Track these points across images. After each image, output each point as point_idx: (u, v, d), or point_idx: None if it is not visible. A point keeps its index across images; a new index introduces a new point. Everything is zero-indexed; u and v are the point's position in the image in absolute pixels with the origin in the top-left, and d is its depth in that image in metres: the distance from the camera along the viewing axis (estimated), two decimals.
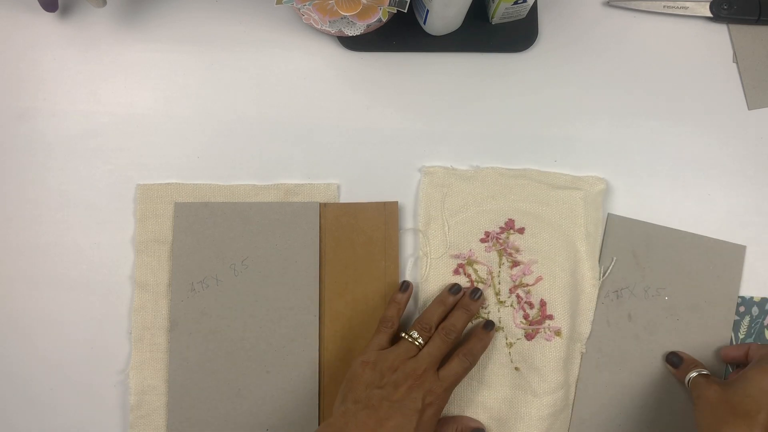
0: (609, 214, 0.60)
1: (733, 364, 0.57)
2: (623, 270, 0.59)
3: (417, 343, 0.53)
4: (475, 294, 0.56)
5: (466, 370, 0.53)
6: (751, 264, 0.60)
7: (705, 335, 0.58)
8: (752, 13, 0.63)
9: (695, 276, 0.59)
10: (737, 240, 0.60)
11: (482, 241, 0.59)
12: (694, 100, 0.63)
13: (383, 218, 0.58)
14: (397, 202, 0.59)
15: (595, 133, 0.62)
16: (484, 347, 0.55)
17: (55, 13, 0.60)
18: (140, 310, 0.57)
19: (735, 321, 0.59)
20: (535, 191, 0.59)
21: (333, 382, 0.56)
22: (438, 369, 0.52)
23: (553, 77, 0.63)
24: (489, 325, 0.56)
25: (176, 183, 0.59)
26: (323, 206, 0.58)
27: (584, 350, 0.58)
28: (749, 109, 0.63)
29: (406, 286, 0.57)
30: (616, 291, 0.58)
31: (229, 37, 0.62)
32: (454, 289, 0.56)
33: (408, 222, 0.60)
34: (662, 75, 0.63)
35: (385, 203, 0.59)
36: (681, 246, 0.59)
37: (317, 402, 0.56)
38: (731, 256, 0.59)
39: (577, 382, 0.57)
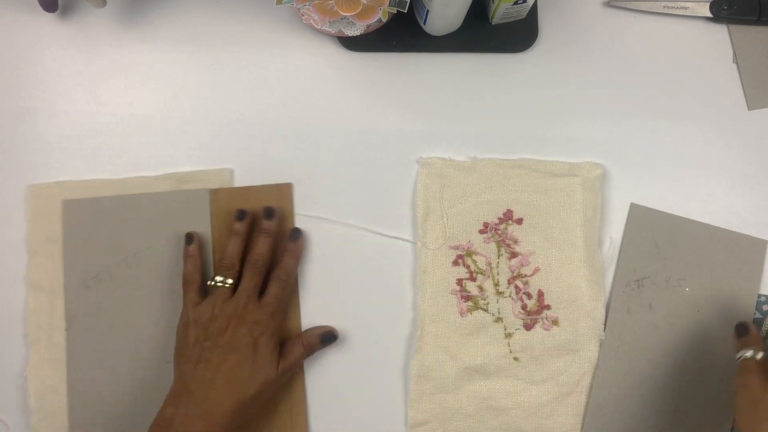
0: (631, 204, 0.60)
1: None
2: (645, 260, 0.59)
3: (227, 285, 0.52)
4: (270, 213, 0.55)
5: (285, 289, 0.53)
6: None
7: (725, 328, 0.58)
8: (752, 14, 0.63)
9: (716, 268, 0.59)
10: None
11: (481, 232, 0.59)
12: (694, 100, 0.63)
13: (277, 200, 0.58)
14: (291, 184, 0.59)
15: (595, 134, 0.62)
16: (297, 259, 0.54)
17: (55, 13, 0.60)
18: (35, 312, 0.56)
19: (757, 319, 0.59)
20: (532, 180, 0.60)
21: None
22: (259, 299, 0.52)
23: (553, 77, 0.63)
24: (295, 234, 0.55)
25: (66, 181, 0.58)
26: (214, 192, 0.58)
27: (603, 337, 0.58)
28: (749, 109, 0.63)
29: (190, 238, 0.55)
30: (638, 280, 0.59)
31: (229, 38, 0.62)
32: (239, 215, 0.55)
33: (408, 213, 0.60)
34: (662, 75, 0.63)
35: (278, 185, 0.58)
36: (703, 238, 0.59)
37: None
38: (752, 250, 0.59)
39: (595, 369, 0.57)
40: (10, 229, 0.58)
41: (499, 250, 0.59)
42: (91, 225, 0.57)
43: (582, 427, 0.57)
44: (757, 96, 0.63)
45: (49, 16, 0.61)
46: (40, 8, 0.59)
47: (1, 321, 0.57)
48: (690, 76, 0.63)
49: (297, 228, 0.56)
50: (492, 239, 0.59)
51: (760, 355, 0.50)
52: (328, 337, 0.55)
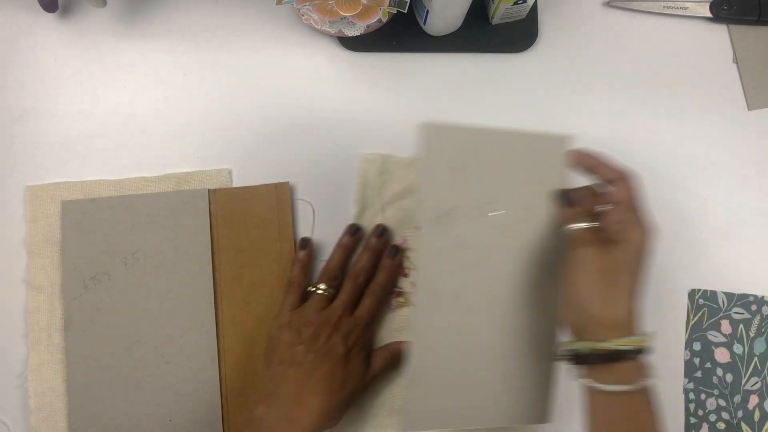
0: (424, 124, 0.49)
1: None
2: (448, 189, 0.50)
3: (327, 294, 0.53)
4: (380, 231, 0.56)
5: (380, 303, 0.54)
6: (755, 263, 0.60)
7: (548, 250, 0.51)
8: (752, 14, 0.63)
9: (520, 182, 0.51)
10: (737, 241, 0.60)
11: (417, 228, 0.57)
12: (694, 100, 0.63)
13: (275, 200, 0.58)
14: (288, 183, 0.59)
15: (594, 134, 0.62)
16: (392, 276, 0.55)
17: (55, 13, 0.60)
18: (35, 312, 0.56)
19: (746, 319, 0.59)
20: None
21: (234, 367, 0.56)
22: (354, 311, 0.53)
23: (553, 77, 0.63)
24: (393, 251, 0.56)
25: (65, 182, 0.58)
26: (213, 192, 0.58)
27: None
28: (749, 109, 0.63)
29: (304, 243, 0.56)
30: (442, 216, 0.50)
31: (229, 38, 0.62)
32: (352, 230, 0.56)
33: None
34: (662, 75, 0.63)
35: (275, 184, 0.59)
36: (500, 154, 0.50)
37: (218, 388, 0.56)
38: (552, 147, 0.51)
39: (415, 331, 0.50)
40: (9, 230, 0.58)
41: None
42: (89, 226, 0.57)
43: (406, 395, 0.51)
44: (757, 96, 0.63)
45: (49, 17, 0.61)
46: (40, 8, 0.59)
47: (2, 322, 0.57)
48: (690, 76, 0.63)
49: (395, 245, 0.57)
50: None
51: (589, 225, 0.47)
52: (400, 356, 0.55)
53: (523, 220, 0.51)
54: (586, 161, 0.49)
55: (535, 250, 0.51)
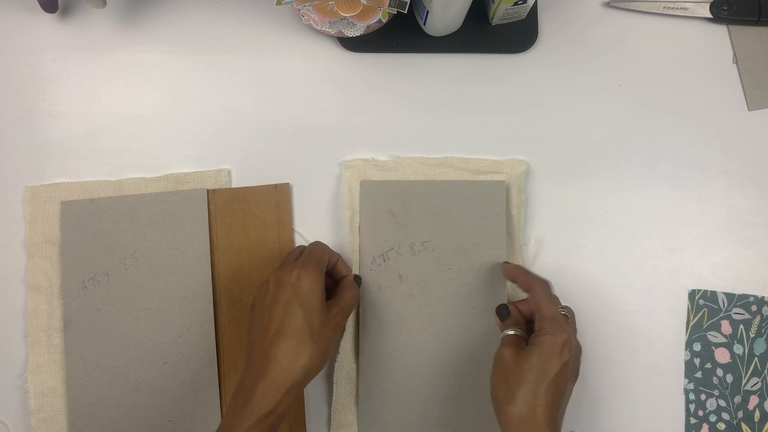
0: (361, 182, 0.59)
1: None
2: (385, 232, 0.58)
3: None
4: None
5: (312, 248, 0.53)
6: (755, 263, 0.60)
7: (478, 278, 0.58)
8: (752, 14, 0.63)
9: (458, 222, 0.58)
10: (737, 241, 0.60)
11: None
12: (694, 100, 0.63)
13: (275, 201, 0.58)
14: (288, 184, 0.59)
15: (595, 134, 0.62)
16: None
17: (55, 14, 0.60)
18: (34, 313, 0.56)
19: (746, 319, 0.59)
20: (456, 179, 0.59)
21: (233, 367, 0.57)
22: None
23: (553, 78, 0.63)
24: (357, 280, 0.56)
25: (64, 182, 0.58)
26: (212, 192, 0.58)
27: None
28: (749, 109, 0.63)
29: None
30: (382, 255, 0.58)
31: (229, 38, 0.62)
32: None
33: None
34: (662, 75, 0.63)
35: (276, 185, 0.59)
36: (438, 195, 0.58)
37: (217, 389, 0.56)
38: (491, 192, 0.58)
39: (358, 353, 0.57)
40: (9, 231, 0.58)
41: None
42: (88, 226, 0.57)
43: (357, 413, 0.57)
44: (757, 96, 0.63)
45: (49, 17, 0.61)
46: (40, 9, 0.59)
47: (1, 322, 0.57)
48: (690, 77, 0.63)
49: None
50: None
51: (516, 332, 0.51)
52: (358, 281, 0.57)
53: (458, 253, 0.58)
54: (509, 273, 0.56)
55: (469, 277, 0.58)
